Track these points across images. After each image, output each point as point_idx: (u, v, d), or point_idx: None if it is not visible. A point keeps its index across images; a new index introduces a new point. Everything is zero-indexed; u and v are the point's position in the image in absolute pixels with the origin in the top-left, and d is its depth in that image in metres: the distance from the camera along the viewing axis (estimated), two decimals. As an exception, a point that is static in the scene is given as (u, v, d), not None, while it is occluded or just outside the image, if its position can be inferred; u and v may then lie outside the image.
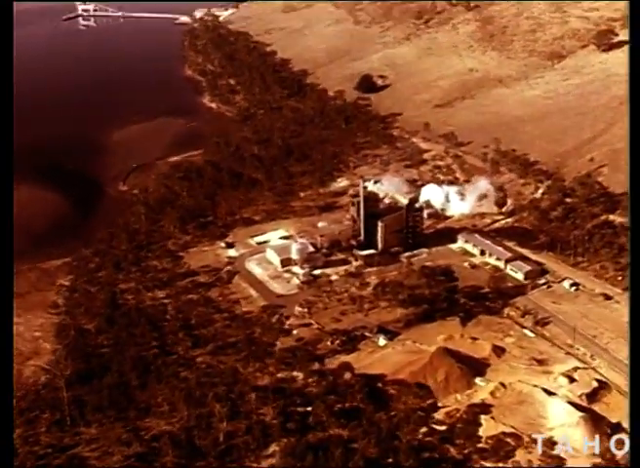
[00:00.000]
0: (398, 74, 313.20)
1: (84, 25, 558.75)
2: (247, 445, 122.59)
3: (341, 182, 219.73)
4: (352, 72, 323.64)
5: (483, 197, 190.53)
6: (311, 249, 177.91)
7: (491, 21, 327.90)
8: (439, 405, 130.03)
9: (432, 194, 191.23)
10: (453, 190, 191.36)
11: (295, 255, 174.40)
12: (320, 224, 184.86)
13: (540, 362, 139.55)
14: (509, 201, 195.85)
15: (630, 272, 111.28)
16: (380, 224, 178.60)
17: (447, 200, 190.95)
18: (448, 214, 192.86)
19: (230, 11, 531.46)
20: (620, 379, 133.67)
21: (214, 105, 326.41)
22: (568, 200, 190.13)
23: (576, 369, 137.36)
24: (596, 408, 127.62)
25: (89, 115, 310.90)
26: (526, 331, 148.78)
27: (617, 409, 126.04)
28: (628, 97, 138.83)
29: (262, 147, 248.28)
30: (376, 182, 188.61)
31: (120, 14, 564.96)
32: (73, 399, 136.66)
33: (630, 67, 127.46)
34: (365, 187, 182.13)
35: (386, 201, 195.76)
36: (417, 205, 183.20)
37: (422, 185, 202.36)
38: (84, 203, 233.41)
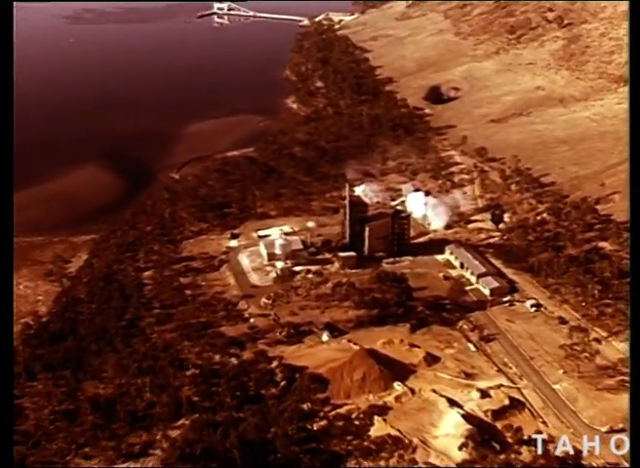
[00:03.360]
0: (472, 87, 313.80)
1: (218, 23, 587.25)
2: (160, 416, 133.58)
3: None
4: (431, 83, 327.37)
5: (454, 210, 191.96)
6: (299, 246, 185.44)
7: (576, 40, 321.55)
8: (345, 402, 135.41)
9: (415, 204, 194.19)
10: (431, 202, 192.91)
11: (278, 251, 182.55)
12: (309, 224, 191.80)
13: (469, 375, 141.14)
14: (506, 219, 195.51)
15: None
16: (366, 229, 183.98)
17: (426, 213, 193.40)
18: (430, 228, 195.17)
19: (354, 15, 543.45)
20: (539, 401, 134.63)
21: (294, 106, 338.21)
22: (563, 223, 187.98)
23: (499, 386, 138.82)
24: (498, 425, 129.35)
25: (177, 108, 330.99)
26: (469, 345, 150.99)
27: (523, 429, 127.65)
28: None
29: (304, 148, 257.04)
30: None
31: (251, 14, 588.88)
32: (37, 356, 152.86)
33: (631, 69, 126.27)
34: (352, 191, 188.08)
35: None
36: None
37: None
38: (135, 187, 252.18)
